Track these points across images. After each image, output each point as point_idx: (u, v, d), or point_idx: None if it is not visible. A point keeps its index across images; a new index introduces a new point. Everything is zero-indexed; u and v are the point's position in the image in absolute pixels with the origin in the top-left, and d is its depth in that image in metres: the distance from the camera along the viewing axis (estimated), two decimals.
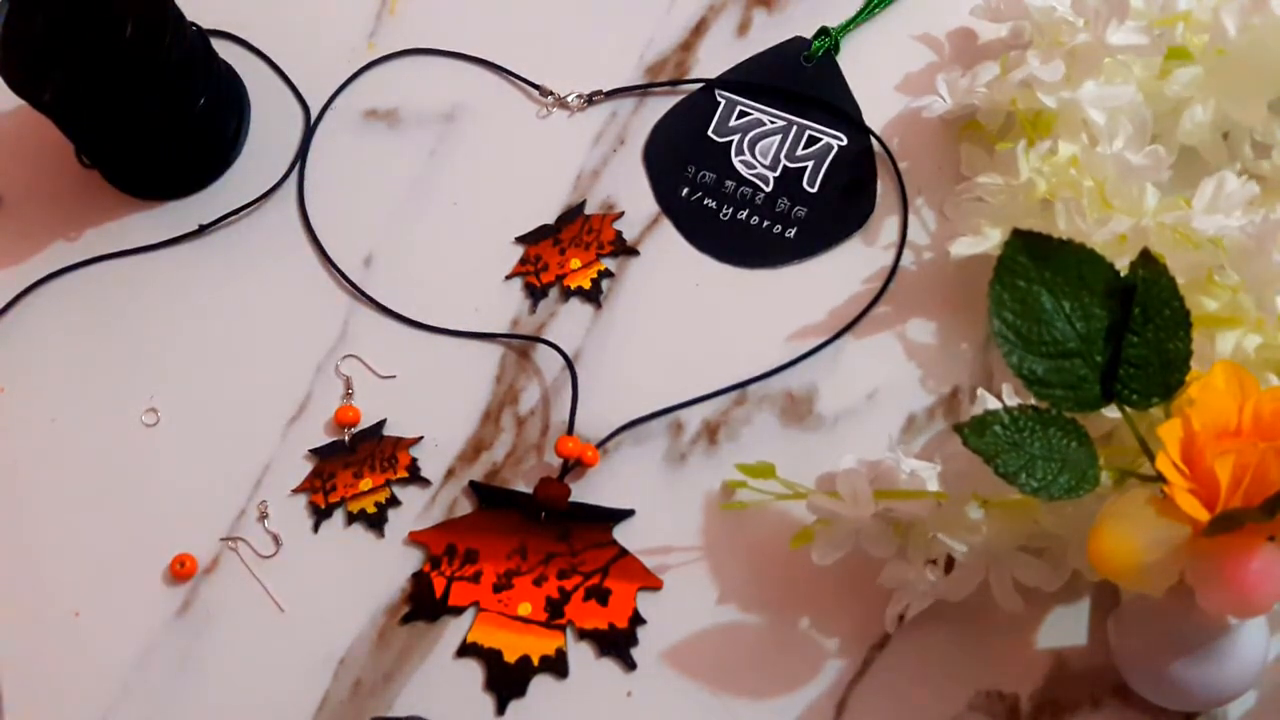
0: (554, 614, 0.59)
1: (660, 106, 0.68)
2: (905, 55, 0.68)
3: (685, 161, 0.67)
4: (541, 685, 0.58)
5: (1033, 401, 0.52)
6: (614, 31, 0.70)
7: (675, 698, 0.58)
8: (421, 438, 0.62)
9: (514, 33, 0.70)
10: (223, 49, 0.69)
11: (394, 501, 0.61)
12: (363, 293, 0.65)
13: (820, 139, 0.67)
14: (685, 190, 0.66)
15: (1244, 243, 0.54)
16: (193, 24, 0.64)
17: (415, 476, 0.62)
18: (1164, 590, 0.49)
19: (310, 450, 0.62)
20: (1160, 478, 0.48)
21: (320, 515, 0.61)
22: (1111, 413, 0.52)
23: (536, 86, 0.69)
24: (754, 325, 0.63)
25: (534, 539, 0.60)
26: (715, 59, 0.69)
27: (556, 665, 0.58)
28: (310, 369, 0.64)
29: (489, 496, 0.61)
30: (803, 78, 0.68)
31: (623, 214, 0.66)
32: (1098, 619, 0.57)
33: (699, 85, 0.68)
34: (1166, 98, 0.60)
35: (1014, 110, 0.62)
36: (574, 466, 0.61)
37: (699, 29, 0.70)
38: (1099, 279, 0.51)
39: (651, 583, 0.59)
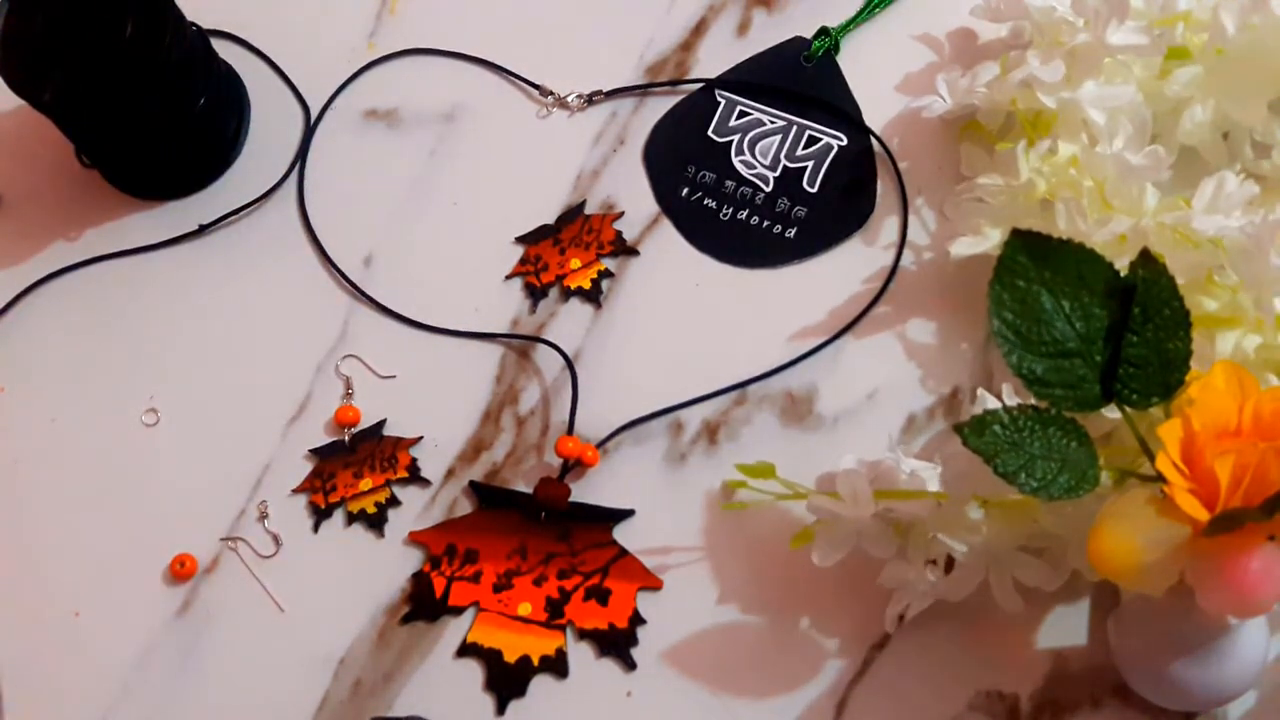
0: (554, 614, 0.59)
1: (660, 106, 0.68)
2: (905, 55, 0.68)
3: (685, 161, 0.67)
4: (541, 685, 0.58)
5: (1032, 401, 0.52)
6: (614, 31, 0.70)
7: (675, 698, 0.58)
8: (421, 438, 0.62)
9: (514, 32, 0.70)
10: (223, 49, 0.69)
11: (394, 501, 0.61)
12: (362, 292, 0.65)
13: (820, 139, 0.67)
14: (685, 190, 0.66)
15: (1244, 243, 0.54)
16: (193, 24, 0.64)
17: (415, 476, 0.62)
18: (1164, 590, 0.49)
19: (310, 450, 0.62)
20: (1160, 478, 0.48)
21: (320, 515, 0.61)
22: (1111, 412, 0.52)
23: (536, 86, 0.69)
24: (754, 325, 0.63)
25: (534, 539, 0.60)
26: (715, 59, 0.69)
27: (556, 665, 0.58)
28: (310, 369, 0.64)
29: (489, 496, 0.61)
30: (803, 78, 0.68)
31: (623, 214, 0.66)
32: (1098, 619, 0.57)
33: (699, 85, 0.68)
34: (1166, 98, 0.60)
35: (1014, 110, 0.62)
36: (574, 466, 0.61)
37: (699, 29, 0.70)
38: (1099, 279, 0.51)
39: (651, 583, 0.59)
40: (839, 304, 0.64)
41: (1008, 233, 0.52)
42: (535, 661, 0.58)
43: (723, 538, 0.60)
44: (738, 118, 0.67)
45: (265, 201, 0.67)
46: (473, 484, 0.62)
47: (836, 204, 0.65)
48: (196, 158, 0.67)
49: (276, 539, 0.61)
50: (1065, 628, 0.57)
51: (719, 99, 0.68)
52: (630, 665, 0.58)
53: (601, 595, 0.59)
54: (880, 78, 0.68)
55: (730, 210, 0.66)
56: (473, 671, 0.59)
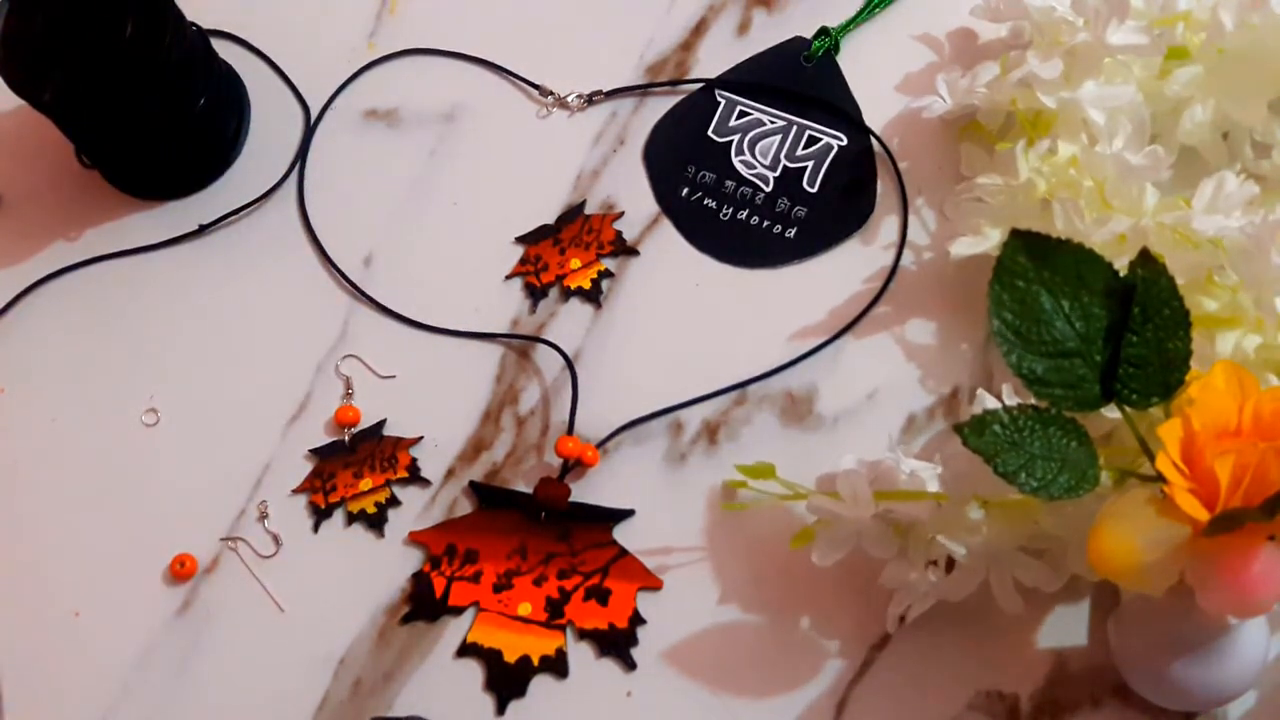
0: (554, 614, 0.59)
1: (660, 106, 0.68)
2: (905, 55, 0.68)
3: (685, 161, 0.67)
4: (541, 685, 0.58)
5: (1032, 401, 0.52)
6: (614, 31, 0.70)
7: (675, 698, 0.58)
8: (421, 438, 0.62)
9: (514, 33, 0.70)
10: (223, 49, 0.69)
11: (394, 501, 0.61)
12: (362, 292, 0.65)
13: (820, 139, 0.67)
14: (685, 190, 0.66)
15: (1244, 243, 0.54)
16: (193, 24, 0.64)
17: (415, 476, 0.62)
18: (1164, 590, 0.49)
19: (310, 450, 0.62)
20: (1160, 477, 0.48)
21: (320, 515, 0.61)
22: (1111, 412, 0.52)
23: (536, 86, 0.69)
24: (754, 325, 0.63)
25: (534, 539, 0.60)
26: (715, 59, 0.69)
27: (556, 665, 0.58)
28: (310, 369, 0.64)
29: (489, 496, 0.61)
30: (803, 78, 0.68)
31: (623, 214, 0.66)
32: (1098, 619, 0.57)
33: (699, 85, 0.68)
34: (1166, 97, 0.60)
35: (1014, 110, 0.62)
36: (574, 466, 0.61)
37: (699, 29, 0.70)
38: (1098, 279, 0.51)
39: (651, 583, 0.59)
40: (839, 304, 0.64)
41: (1007, 233, 0.52)
42: (535, 661, 0.58)
43: (723, 538, 0.60)
44: (738, 118, 0.67)
45: (265, 201, 0.67)
46: (473, 484, 0.62)
47: (836, 204, 0.65)
48: (196, 158, 0.67)
49: (276, 539, 0.61)
50: (1065, 628, 0.57)
51: (719, 99, 0.68)
52: (630, 665, 0.58)
53: (601, 595, 0.59)
54: (880, 78, 0.68)
55: (730, 210, 0.66)
56: (473, 671, 0.59)
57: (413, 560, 0.61)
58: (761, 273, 0.64)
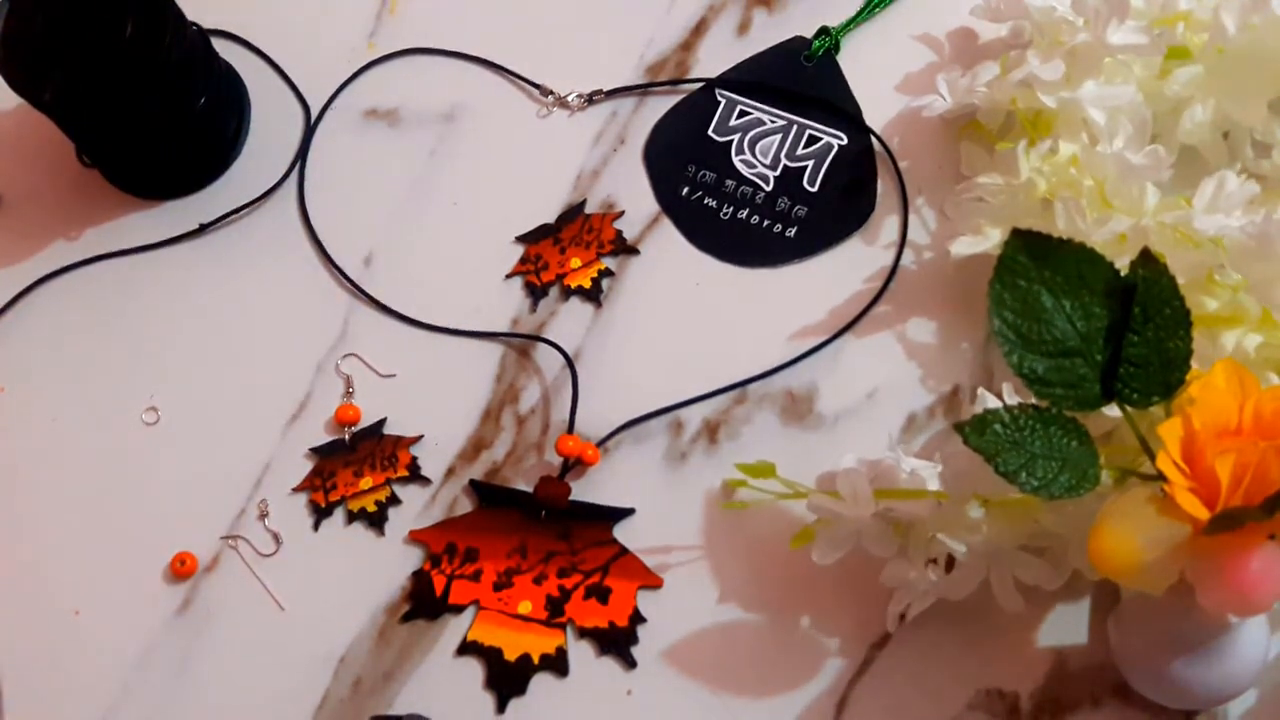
0: (554, 612, 0.59)
1: (660, 106, 0.68)
2: (905, 55, 0.68)
3: (686, 161, 0.67)
4: (542, 684, 0.58)
5: (1033, 400, 0.52)
6: (614, 31, 0.70)
7: (675, 696, 0.58)
8: (422, 436, 0.62)
9: (514, 32, 0.70)
10: (223, 48, 0.69)
11: (394, 500, 0.61)
12: (363, 291, 0.65)
13: (820, 138, 0.67)
14: (686, 189, 0.66)
15: (1245, 242, 0.54)
16: (193, 23, 0.64)
17: (415, 475, 0.62)
18: (1164, 589, 0.49)
19: (310, 449, 0.62)
20: (1161, 476, 0.48)
21: (320, 514, 0.61)
22: (1112, 412, 0.52)
23: (537, 86, 0.69)
24: (754, 324, 0.63)
25: (534, 537, 0.60)
26: (715, 59, 0.69)
27: (557, 664, 0.58)
28: (310, 368, 0.64)
29: (489, 495, 0.61)
30: (803, 77, 0.68)
31: (623, 213, 0.66)
32: (1098, 618, 0.57)
33: (699, 85, 0.68)
34: (1167, 97, 0.60)
35: (1014, 110, 0.62)
36: (574, 465, 0.61)
37: (699, 29, 0.70)
38: (1099, 278, 0.51)
39: (652, 581, 0.59)
40: (839, 303, 0.64)
41: (1008, 232, 0.52)
42: (535, 660, 0.58)
43: (723, 536, 0.60)
44: (738, 117, 0.67)
45: (266, 201, 0.67)
46: (473, 482, 0.62)
47: (837, 203, 0.65)
48: (197, 157, 0.67)
49: (277, 537, 0.61)
50: (1065, 626, 0.57)
51: (719, 98, 0.68)
52: (630, 664, 0.58)
53: (602, 594, 0.59)
54: (880, 77, 0.68)
55: (731, 209, 0.66)
56: (473, 670, 0.59)
57: (413, 559, 0.61)
58: (762, 272, 0.65)
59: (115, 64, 0.60)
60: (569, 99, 0.69)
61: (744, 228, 0.65)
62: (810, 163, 0.66)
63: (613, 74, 0.69)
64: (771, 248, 0.65)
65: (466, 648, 0.59)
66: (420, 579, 0.60)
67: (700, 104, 0.68)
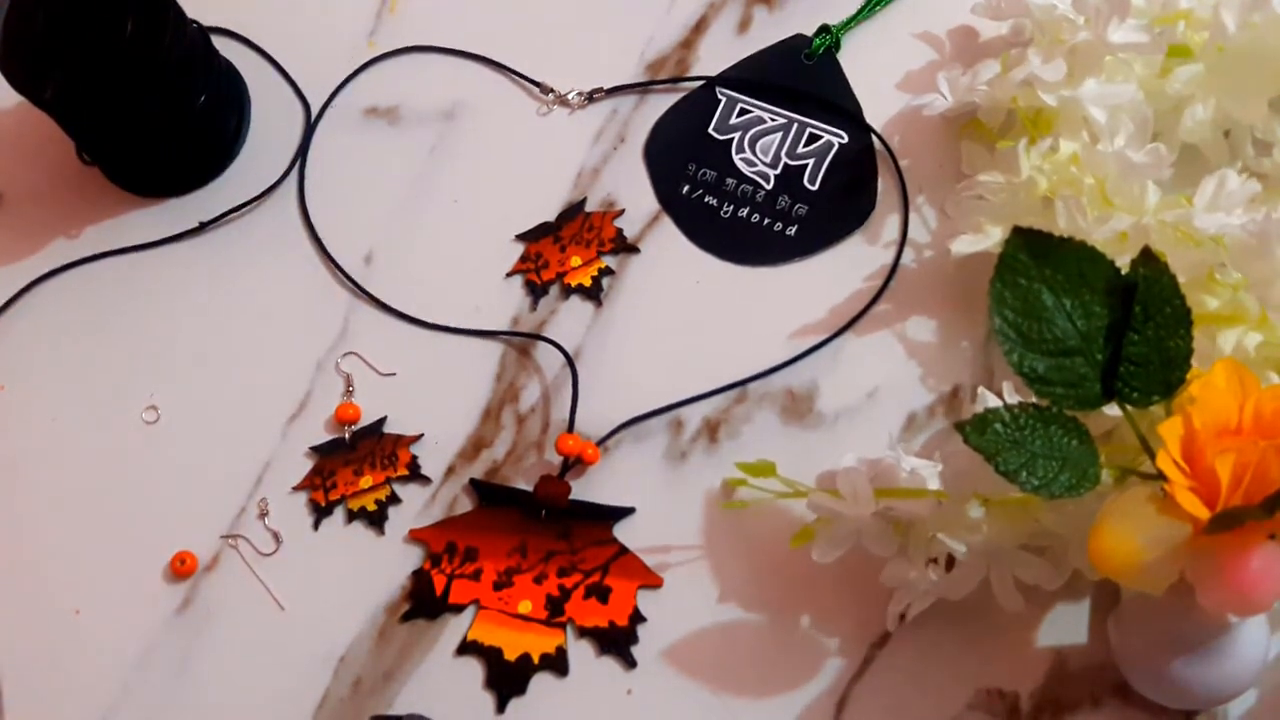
0: (554, 612, 0.59)
1: (661, 104, 0.68)
2: (906, 53, 0.68)
3: (686, 159, 0.67)
4: (542, 683, 0.58)
5: (1033, 399, 0.52)
6: (614, 29, 0.70)
7: (675, 696, 0.58)
8: (422, 435, 0.62)
9: (514, 30, 0.70)
10: (223, 47, 0.69)
11: (394, 499, 0.61)
12: (363, 290, 0.65)
13: (821, 136, 0.67)
14: (686, 188, 0.66)
15: (1245, 241, 0.54)
16: (193, 21, 0.64)
17: (415, 474, 0.62)
18: (1164, 588, 0.49)
19: (311, 448, 0.62)
20: (1161, 476, 0.48)
21: (321, 513, 0.61)
22: (1112, 411, 0.52)
23: (537, 84, 0.69)
24: (755, 323, 0.63)
25: (534, 537, 0.60)
26: (715, 57, 0.69)
27: (557, 663, 0.58)
28: (310, 367, 0.64)
29: (489, 494, 0.61)
30: (804, 75, 0.68)
31: (623, 211, 0.66)
32: (1098, 617, 0.57)
33: (700, 83, 0.68)
34: (1167, 95, 0.60)
35: (1015, 108, 0.62)
36: (574, 464, 0.61)
37: (699, 27, 0.70)
38: (1100, 277, 0.51)
39: (652, 581, 0.59)
40: (839, 302, 0.64)
41: (1008, 231, 0.52)
42: (535, 659, 0.58)
43: (723, 536, 0.60)
44: (738, 115, 0.67)
45: (266, 199, 0.67)
46: (473, 482, 0.62)
47: (837, 202, 0.65)
48: (197, 155, 0.67)
49: (277, 536, 0.61)
50: (1066, 626, 0.57)
51: (720, 96, 0.68)
52: (630, 663, 0.58)
53: (602, 593, 0.59)
54: (881, 75, 0.68)
55: (731, 208, 0.65)
56: (473, 669, 0.59)
57: (413, 558, 0.61)
58: (762, 270, 0.64)
59: (116, 62, 0.60)
60: (569, 97, 0.68)
61: (744, 226, 0.65)
62: (811, 161, 0.66)
63: (613, 72, 0.69)
64: (772, 246, 0.65)
65: (466, 647, 0.59)
66: (420, 578, 0.60)
67: (701, 102, 0.68)
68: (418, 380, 0.64)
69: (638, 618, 0.59)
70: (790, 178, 0.66)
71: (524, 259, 0.65)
